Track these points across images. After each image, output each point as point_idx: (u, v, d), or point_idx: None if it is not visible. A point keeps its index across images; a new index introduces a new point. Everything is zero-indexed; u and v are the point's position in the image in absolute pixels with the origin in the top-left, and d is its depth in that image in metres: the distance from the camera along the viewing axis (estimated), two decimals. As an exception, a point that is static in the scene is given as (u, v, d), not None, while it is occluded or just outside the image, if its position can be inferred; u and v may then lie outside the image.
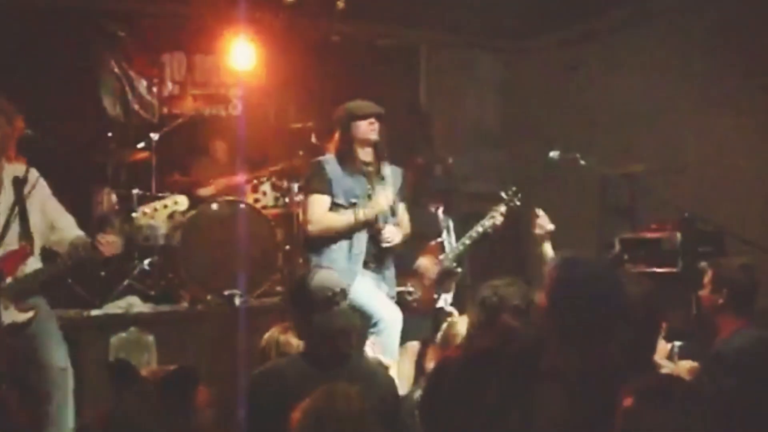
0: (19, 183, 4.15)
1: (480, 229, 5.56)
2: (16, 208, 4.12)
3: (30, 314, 4.21)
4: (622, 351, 2.66)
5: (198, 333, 6.02)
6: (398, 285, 5.31)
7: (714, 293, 4.01)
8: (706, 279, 4.09)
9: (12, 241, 4.18)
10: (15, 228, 4.16)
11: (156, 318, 6.10)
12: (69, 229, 4.42)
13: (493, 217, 5.55)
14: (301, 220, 5.12)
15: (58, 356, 4.35)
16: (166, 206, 4.40)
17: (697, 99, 7.35)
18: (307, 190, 5.14)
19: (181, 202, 4.48)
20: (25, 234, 4.16)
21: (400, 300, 5.29)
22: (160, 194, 6.74)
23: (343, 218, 4.95)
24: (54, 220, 4.38)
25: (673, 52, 7.52)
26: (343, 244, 5.00)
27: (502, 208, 5.57)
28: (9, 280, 4.11)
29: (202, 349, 5.93)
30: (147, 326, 5.85)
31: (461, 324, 3.90)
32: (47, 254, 4.43)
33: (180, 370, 2.31)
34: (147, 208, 4.41)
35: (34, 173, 4.25)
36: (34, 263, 4.29)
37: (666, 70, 7.61)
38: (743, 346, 3.75)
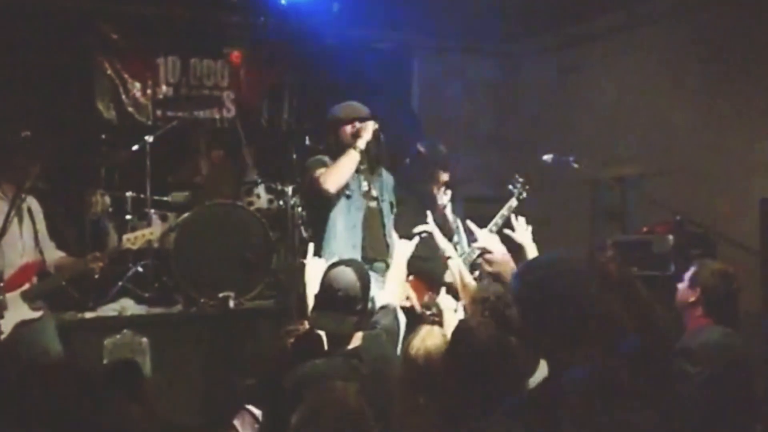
0: (32, 212, 5.15)
1: (494, 228, 5.00)
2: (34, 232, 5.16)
3: (41, 312, 5.06)
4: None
5: (192, 335, 6.05)
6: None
7: (689, 288, 4.07)
8: (688, 273, 4.15)
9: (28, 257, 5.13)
10: (30, 246, 5.14)
11: (150, 320, 6.11)
12: (52, 250, 5.30)
13: (503, 215, 5.04)
14: (315, 187, 4.99)
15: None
16: (144, 235, 5.36)
17: (689, 102, 7.40)
18: (309, 170, 5.05)
19: (155, 232, 5.64)
20: (40, 253, 5.19)
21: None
22: (155, 197, 6.77)
23: (344, 157, 4.93)
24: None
25: (666, 56, 7.57)
26: (344, 238, 5.01)
27: (513, 203, 5.08)
28: (26, 285, 5.02)
29: (196, 352, 5.95)
30: (141, 329, 5.85)
31: (424, 338, 3.33)
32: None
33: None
34: (131, 236, 5.33)
35: (36, 203, 5.21)
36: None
37: (658, 74, 7.65)
38: (708, 340, 3.83)
